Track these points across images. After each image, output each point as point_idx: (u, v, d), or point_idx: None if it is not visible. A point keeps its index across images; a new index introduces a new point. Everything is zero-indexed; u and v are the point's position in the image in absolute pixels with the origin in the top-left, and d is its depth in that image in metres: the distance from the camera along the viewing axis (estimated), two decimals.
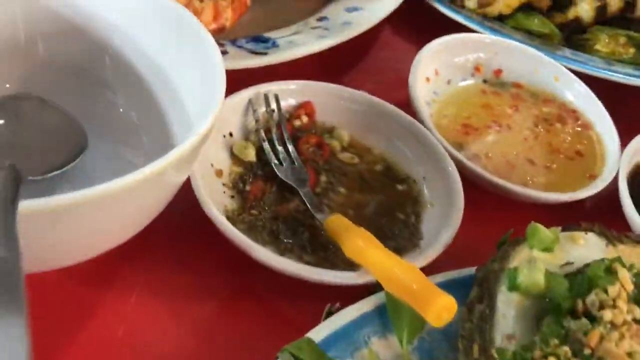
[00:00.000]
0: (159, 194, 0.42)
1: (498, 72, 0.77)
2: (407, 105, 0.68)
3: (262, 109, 0.61)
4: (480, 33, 0.81)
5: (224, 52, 0.65)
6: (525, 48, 0.78)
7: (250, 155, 0.58)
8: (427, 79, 0.72)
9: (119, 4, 0.54)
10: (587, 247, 0.51)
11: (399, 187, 0.60)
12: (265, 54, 0.65)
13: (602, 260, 0.47)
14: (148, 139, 0.53)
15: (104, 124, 0.54)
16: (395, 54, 0.83)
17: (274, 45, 0.67)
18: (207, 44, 0.48)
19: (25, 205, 0.34)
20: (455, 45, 0.75)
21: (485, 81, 0.77)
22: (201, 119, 0.43)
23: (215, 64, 0.47)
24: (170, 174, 0.41)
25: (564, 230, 0.53)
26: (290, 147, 0.59)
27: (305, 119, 0.63)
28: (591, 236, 0.52)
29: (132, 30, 0.54)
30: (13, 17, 0.54)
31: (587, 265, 0.48)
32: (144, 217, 0.43)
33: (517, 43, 0.78)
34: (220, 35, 0.69)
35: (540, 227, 0.51)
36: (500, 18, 0.85)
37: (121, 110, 0.55)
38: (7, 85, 0.55)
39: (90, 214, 0.37)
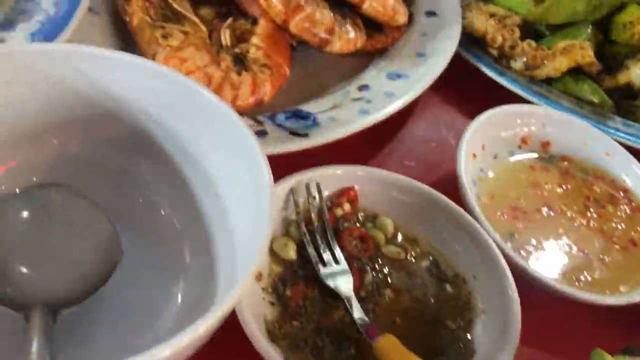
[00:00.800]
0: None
1: (546, 144, 0.73)
2: (450, 180, 0.65)
3: (303, 198, 0.58)
4: (525, 97, 0.78)
5: (263, 133, 0.61)
6: (575, 120, 0.74)
7: (291, 253, 0.55)
8: (474, 155, 0.68)
9: (158, 96, 0.50)
10: None
11: (448, 288, 0.56)
12: (306, 135, 0.61)
13: None
14: (189, 249, 0.49)
15: (142, 225, 0.51)
16: (437, 120, 0.79)
17: (315, 122, 0.64)
18: (255, 157, 0.45)
19: None
20: (502, 118, 0.71)
21: (532, 153, 0.73)
22: (248, 251, 0.40)
23: (264, 184, 0.43)
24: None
25: (626, 353, 0.49)
26: (333, 243, 0.56)
27: (347, 206, 0.59)
28: None
29: (174, 125, 0.51)
30: (42, 103, 0.51)
31: None
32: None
33: (566, 114, 0.74)
34: (259, 108, 0.65)
35: (606, 356, 0.47)
36: (548, 80, 0.80)
37: (162, 212, 0.51)
38: (34, 179, 0.52)
39: None
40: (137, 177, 0.52)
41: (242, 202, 0.46)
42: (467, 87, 0.81)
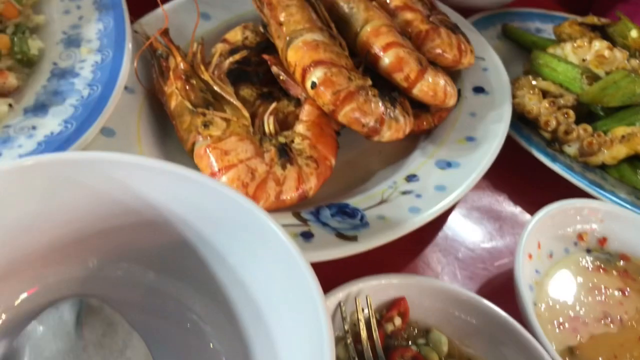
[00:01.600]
0: None
1: (603, 241, 0.68)
2: (503, 280, 0.61)
3: (351, 309, 0.53)
4: (580, 186, 0.73)
5: (308, 235, 0.57)
6: (635, 216, 0.69)
7: None
8: (529, 256, 0.63)
9: (198, 206, 0.46)
10: None
11: None
12: (355, 238, 0.57)
13: None
14: None
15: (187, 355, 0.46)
16: (486, 209, 0.74)
17: (362, 221, 0.59)
18: (314, 296, 0.40)
19: None
20: (559, 215, 0.66)
21: (589, 251, 0.68)
22: None
23: (322, 326, 0.39)
24: None
25: None
26: None
27: (398, 321, 0.55)
28: None
29: (215, 237, 0.47)
30: (78, 216, 0.47)
31: None
32: None
33: (625, 210, 0.69)
34: (302, 201, 0.61)
35: None
36: (603, 166, 0.76)
37: (211, 345, 0.47)
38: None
39: None
40: (182, 300, 0.48)
41: (296, 341, 0.41)
42: (517, 170, 0.77)
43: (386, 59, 0.66)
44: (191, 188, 0.46)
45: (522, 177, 0.76)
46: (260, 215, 0.45)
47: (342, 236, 0.57)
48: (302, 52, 0.63)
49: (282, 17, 0.66)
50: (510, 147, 0.75)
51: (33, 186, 0.44)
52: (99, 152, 0.52)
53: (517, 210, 0.74)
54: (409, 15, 0.73)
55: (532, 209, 0.74)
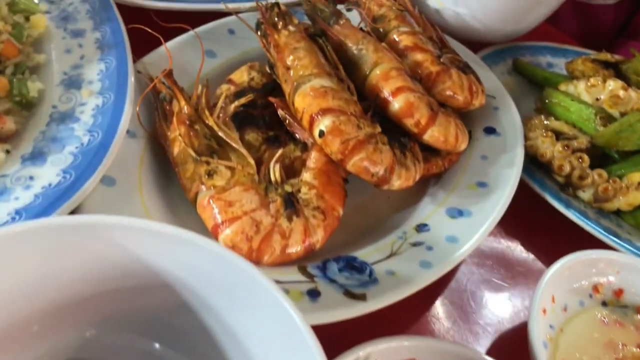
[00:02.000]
0: None
1: (619, 292, 0.66)
2: (516, 336, 0.58)
3: None
4: (594, 234, 0.71)
5: (315, 293, 0.55)
6: None
7: None
8: (544, 311, 0.61)
9: (197, 269, 0.44)
10: None
11: None
12: (364, 297, 0.55)
13: None
14: None
15: None
16: (498, 258, 0.72)
17: (371, 277, 0.57)
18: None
19: None
20: (572, 267, 0.64)
21: (604, 304, 0.66)
22: None
23: None
24: None
25: None
26: None
27: None
28: None
29: (217, 303, 0.45)
30: (77, 283, 0.45)
31: None
32: None
33: None
34: (308, 255, 0.59)
35: None
36: (618, 211, 0.74)
37: None
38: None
39: None
40: None
41: None
42: (530, 215, 0.74)
43: (396, 104, 0.64)
44: (192, 251, 0.44)
45: (535, 223, 0.74)
46: (262, 281, 0.42)
47: (350, 294, 0.55)
48: (310, 98, 0.61)
49: (289, 60, 0.64)
50: (522, 191, 0.73)
51: (24, 253, 0.42)
52: (94, 215, 0.49)
53: (530, 257, 0.71)
54: (419, 57, 0.71)
55: (545, 256, 0.72)
